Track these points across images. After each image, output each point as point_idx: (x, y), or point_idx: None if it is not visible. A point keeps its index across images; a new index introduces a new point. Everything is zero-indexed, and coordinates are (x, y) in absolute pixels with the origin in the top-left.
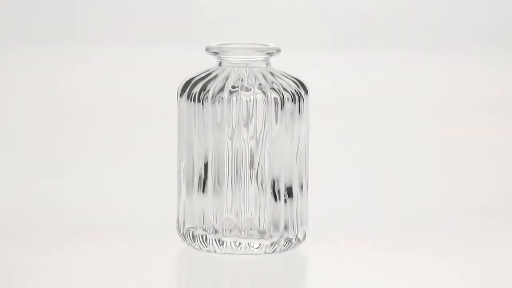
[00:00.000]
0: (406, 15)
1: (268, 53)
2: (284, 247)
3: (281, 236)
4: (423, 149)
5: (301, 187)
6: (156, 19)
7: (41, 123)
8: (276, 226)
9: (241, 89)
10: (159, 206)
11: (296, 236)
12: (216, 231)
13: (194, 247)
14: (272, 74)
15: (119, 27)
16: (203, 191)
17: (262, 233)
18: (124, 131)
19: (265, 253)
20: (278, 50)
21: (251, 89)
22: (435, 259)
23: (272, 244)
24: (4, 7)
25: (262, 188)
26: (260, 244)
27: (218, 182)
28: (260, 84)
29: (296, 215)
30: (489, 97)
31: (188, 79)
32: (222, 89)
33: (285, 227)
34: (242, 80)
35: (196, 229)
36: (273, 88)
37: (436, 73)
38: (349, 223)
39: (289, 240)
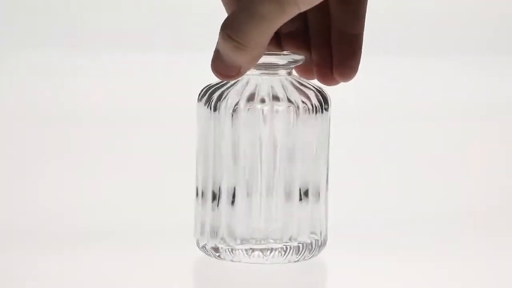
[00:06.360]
0: (405, 21)
1: (290, 62)
2: (297, 256)
3: (294, 244)
4: (440, 155)
5: (316, 194)
6: (180, 25)
7: (50, 128)
8: (289, 235)
9: (258, 98)
10: (181, 213)
11: (312, 243)
12: (227, 241)
13: (208, 255)
14: (292, 83)
15: (145, 33)
16: (218, 202)
17: (276, 242)
18: (143, 137)
19: (277, 262)
20: (301, 60)
21: (267, 99)
22: (460, 268)
23: (284, 253)
24: (6, 10)
25: (276, 197)
26: (272, 253)
27: (232, 193)
28: (277, 94)
29: (312, 222)
30: (490, 101)
31: (207, 85)
32: (239, 97)
33: (298, 235)
34: (259, 89)
35: (209, 239)
36: (289, 99)
37: (435, 78)
38: (364, 230)
39: (303, 247)
